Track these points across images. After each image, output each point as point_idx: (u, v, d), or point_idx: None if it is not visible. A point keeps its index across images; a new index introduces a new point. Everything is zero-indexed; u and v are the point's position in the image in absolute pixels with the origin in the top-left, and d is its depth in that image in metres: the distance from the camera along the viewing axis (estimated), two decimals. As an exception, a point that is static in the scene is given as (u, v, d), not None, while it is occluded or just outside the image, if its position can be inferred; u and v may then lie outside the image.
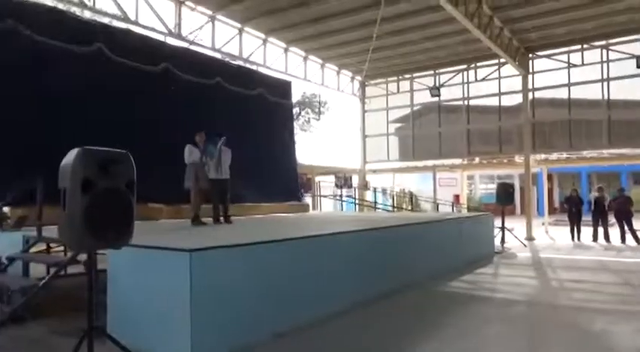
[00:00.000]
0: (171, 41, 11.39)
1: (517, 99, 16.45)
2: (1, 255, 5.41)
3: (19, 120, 6.95)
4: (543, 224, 18.22)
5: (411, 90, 18.58)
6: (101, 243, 3.18)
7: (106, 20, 11.32)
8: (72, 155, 3.09)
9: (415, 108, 18.74)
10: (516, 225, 15.04)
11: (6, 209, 6.88)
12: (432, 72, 17.84)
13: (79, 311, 4.47)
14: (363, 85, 19.30)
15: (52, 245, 6.29)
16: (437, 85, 17.68)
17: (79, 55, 8.02)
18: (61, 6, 9.72)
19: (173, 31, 11.68)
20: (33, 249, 5.79)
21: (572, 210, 14.44)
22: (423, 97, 18.15)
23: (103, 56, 8.38)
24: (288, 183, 12.90)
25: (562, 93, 15.70)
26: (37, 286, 4.69)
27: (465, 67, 17.21)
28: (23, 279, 5.20)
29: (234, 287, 4.28)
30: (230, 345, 4.13)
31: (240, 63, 13.53)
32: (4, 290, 5.07)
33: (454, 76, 17.58)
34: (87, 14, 10.91)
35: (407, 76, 18.47)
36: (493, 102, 17.08)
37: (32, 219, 5.79)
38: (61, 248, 6.34)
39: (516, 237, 13.07)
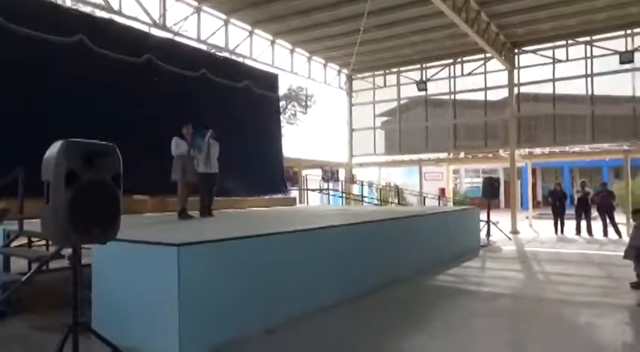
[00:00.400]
0: (156, 32, 11.17)
1: (503, 93, 16.57)
2: (-19, 249, 5.27)
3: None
4: (527, 217, 18.46)
5: (398, 84, 18.60)
6: (86, 238, 3.10)
7: (88, 9, 11.04)
8: (55, 147, 3.00)
9: (402, 102, 18.76)
10: (501, 219, 15.21)
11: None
12: (418, 66, 17.85)
13: (61, 307, 4.38)
14: (350, 79, 19.25)
15: (33, 239, 6.16)
16: (424, 79, 17.72)
17: (60, 46, 7.81)
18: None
19: (157, 21, 11.47)
20: (14, 243, 5.65)
21: (555, 204, 14.65)
22: (410, 91, 18.17)
23: (85, 47, 8.18)
24: (274, 177, 12.83)
25: (547, 89, 15.86)
26: (19, 281, 4.58)
27: (451, 61, 17.26)
28: (4, 274, 5.09)
29: (222, 282, 4.22)
30: (218, 340, 4.08)
31: (227, 55, 13.36)
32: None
33: (441, 70, 17.63)
34: (68, 2, 10.64)
35: (394, 69, 18.46)
36: (479, 96, 17.18)
37: (14, 212, 5.64)
38: (43, 242, 6.21)
39: (501, 231, 13.22)
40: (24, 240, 6.18)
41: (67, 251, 4.64)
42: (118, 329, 3.84)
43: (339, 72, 18.76)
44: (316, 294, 5.35)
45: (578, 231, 14.03)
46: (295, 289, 5.06)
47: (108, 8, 10.44)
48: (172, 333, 3.79)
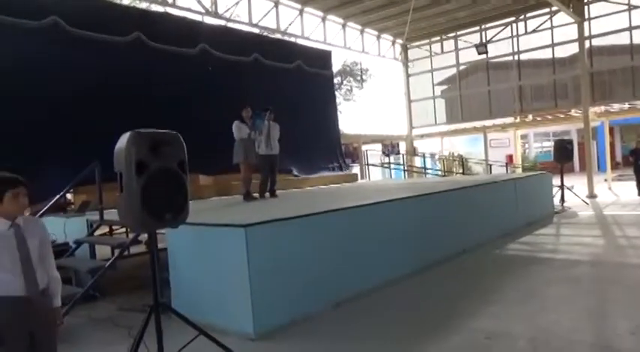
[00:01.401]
0: (209, 20, 11.40)
1: (572, 49, 15.41)
2: (69, 239, 5.71)
3: (76, 114, 7.27)
4: (606, 180, 17.25)
5: (456, 50, 17.83)
6: (159, 223, 3.26)
7: (144, 5, 11.45)
8: (124, 139, 3.14)
9: (461, 68, 18.01)
10: (576, 183, 14.34)
11: (69, 195, 7.25)
12: (477, 28, 16.99)
13: (143, 289, 4.70)
14: (405, 48, 18.70)
15: (114, 227, 6.59)
16: (483, 41, 16.84)
17: (119, 45, 8.20)
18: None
19: (210, 9, 11.67)
20: (97, 232, 6.08)
21: (637, 164, 13.52)
22: (469, 56, 17.36)
23: (141, 44, 8.54)
24: (332, 154, 12.85)
25: (623, 39, 14.56)
26: (104, 267, 4.93)
27: (513, 19, 16.26)
28: (91, 261, 5.48)
29: (291, 259, 4.32)
30: (291, 316, 4.20)
31: (278, 36, 13.39)
32: (74, 272, 5.39)
33: (502, 30, 16.68)
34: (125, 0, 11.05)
35: (451, 34, 17.70)
36: (545, 54, 16.11)
37: (94, 203, 6.06)
38: (123, 229, 6.64)
39: (577, 195, 12.47)
40: (105, 229, 6.63)
41: (144, 237, 4.95)
42: (196, 308, 4.05)
43: (394, 42, 18.27)
44: (383, 267, 5.34)
45: (665, 190, 12.94)
46: (364, 263, 5.09)
47: (162, 2, 10.75)
48: (246, 311, 3.94)
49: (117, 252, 5.07)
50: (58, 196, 6.53)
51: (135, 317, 4.09)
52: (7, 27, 6.91)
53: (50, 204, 6.24)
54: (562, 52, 15.88)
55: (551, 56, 16.00)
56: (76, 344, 4.01)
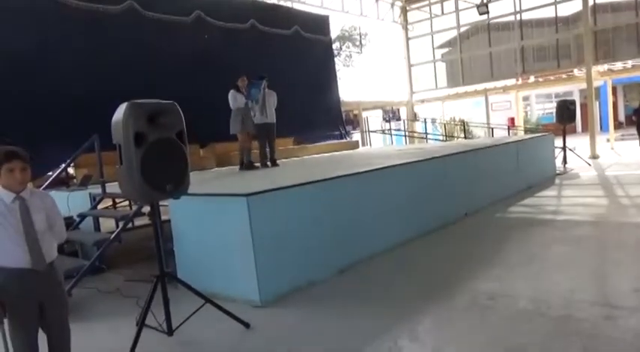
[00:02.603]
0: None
1: (575, 7, 15.04)
2: (73, 213, 5.74)
3: (72, 86, 7.20)
4: (608, 140, 17.16)
5: (457, 11, 17.42)
6: (160, 194, 3.25)
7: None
8: (121, 110, 3.09)
9: (462, 29, 17.63)
10: (578, 144, 14.27)
11: (71, 169, 7.25)
12: (478, -13, 16.53)
13: (149, 260, 4.75)
14: (404, 10, 18.28)
15: (117, 200, 6.62)
16: (484, 1, 16.42)
17: (111, 15, 8.04)
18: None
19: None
20: (100, 206, 6.10)
21: (640, 123, 13.45)
22: (470, 17, 16.98)
23: (135, 13, 8.37)
24: (332, 121, 12.78)
25: (628, -5, 14.20)
26: (109, 239, 4.97)
27: (515, -23, 15.81)
28: (96, 234, 5.53)
29: (294, 227, 4.34)
30: (295, 283, 4.26)
31: (275, 1, 13.07)
32: (80, 245, 5.44)
33: (503, -12, 16.23)
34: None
35: (451, -5, 17.25)
36: (548, 13, 15.72)
37: (96, 177, 6.06)
38: (126, 202, 6.67)
39: (579, 156, 12.43)
40: (109, 202, 6.66)
41: (148, 209, 4.97)
42: (201, 277, 4.10)
43: (393, 5, 17.84)
44: (385, 233, 5.38)
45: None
46: (365, 229, 5.11)
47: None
48: (251, 278, 3.99)
49: (121, 224, 5.10)
50: (59, 170, 6.54)
51: (142, 288, 4.15)
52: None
53: (51, 179, 6.25)
54: (565, 11, 15.50)
55: (553, 15, 15.62)
56: (85, 315, 4.09)
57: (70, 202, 5.74)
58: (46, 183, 6.15)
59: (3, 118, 6.49)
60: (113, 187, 5.41)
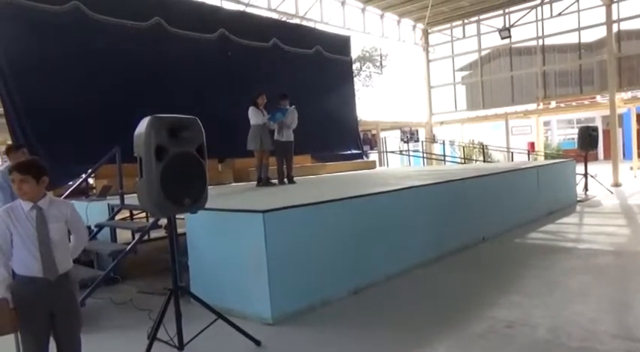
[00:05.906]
0: (228, 6, 11.33)
1: (599, 33, 14.95)
2: (90, 223, 5.80)
3: (96, 99, 7.37)
4: (631, 168, 16.82)
5: (478, 34, 17.45)
6: (178, 208, 3.26)
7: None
8: (144, 124, 3.14)
9: (483, 53, 17.63)
10: (600, 171, 14.00)
11: (91, 180, 7.36)
12: (500, 12, 16.57)
13: (163, 273, 4.76)
14: (425, 33, 18.37)
15: (134, 212, 6.68)
16: (507, 25, 16.43)
17: (139, 31, 8.25)
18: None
19: (228, -6, 11.61)
20: (118, 217, 6.16)
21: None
22: (492, 41, 17.01)
23: (162, 30, 8.58)
24: (350, 141, 12.79)
25: (653, 22, 14.06)
26: (125, 250, 5.00)
27: (538, 2, 15.79)
28: (112, 245, 5.56)
29: (309, 245, 4.31)
30: (309, 302, 4.21)
31: (297, 21, 13.27)
32: (96, 255, 5.48)
33: (526, 13, 16.23)
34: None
35: (473, 18, 17.31)
36: (571, 39, 15.65)
37: (115, 188, 6.13)
38: (143, 214, 6.73)
39: (601, 184, 12.18)
40: (126, 213, 6.73)
41: (164, 221, 4.99)
42: (214, 292, 4.08)
43: (414, 27, 17.95)
44: (402, 255, 5.31)
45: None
46: (381, 250, 5.06)
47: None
48: (264, 296, 3.96)
49: (137, 236, 5.13)
50: (80, 181, 6.64)
51: (155, 300, 4.15)
52: (29, 11, 7.02)
53: (71, 189, 6.34)
54: (588, 37, 15.42)
55: (576, 41, 15.54)
56: (97, 325, 4.09)
57: (89, 212, 5.80)
58: (66, 193, 6.24)
59: (30, 130, 6.65)
60: (131, 199, 5.47)
